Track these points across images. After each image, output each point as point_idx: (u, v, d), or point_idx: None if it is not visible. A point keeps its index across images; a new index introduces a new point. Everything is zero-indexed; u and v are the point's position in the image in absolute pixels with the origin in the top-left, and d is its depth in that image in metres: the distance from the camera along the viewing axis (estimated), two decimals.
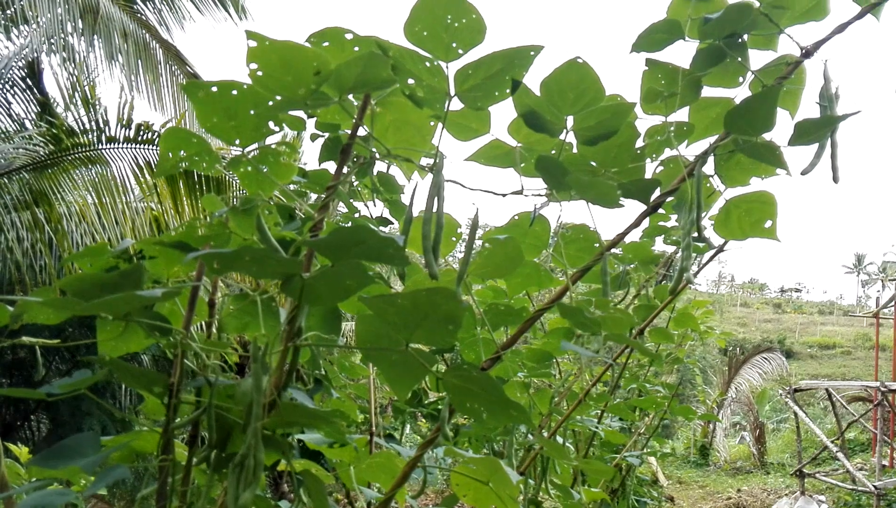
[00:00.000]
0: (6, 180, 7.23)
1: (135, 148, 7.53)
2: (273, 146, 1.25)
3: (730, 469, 17.01)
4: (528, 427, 2.00)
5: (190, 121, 7.66)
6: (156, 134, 7.62)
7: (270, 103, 1.12)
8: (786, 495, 13.20)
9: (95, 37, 6.63)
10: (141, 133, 7.54)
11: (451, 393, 1.12)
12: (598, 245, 1.45)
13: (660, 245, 2.23)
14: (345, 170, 1.25)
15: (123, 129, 7.39)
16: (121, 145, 7.48)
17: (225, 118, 1.14)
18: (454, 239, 1.36)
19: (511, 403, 1.08)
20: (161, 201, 7.98)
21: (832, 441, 12.16)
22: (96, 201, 7.54)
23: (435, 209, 1.11)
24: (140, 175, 7.64)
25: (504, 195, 1.21)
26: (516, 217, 1.44)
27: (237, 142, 1.20)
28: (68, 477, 1.25)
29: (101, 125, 7.33)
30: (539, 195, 1.27)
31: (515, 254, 1.34)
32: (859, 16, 1.44)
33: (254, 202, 1.18)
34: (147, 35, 7.35)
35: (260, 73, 1.01)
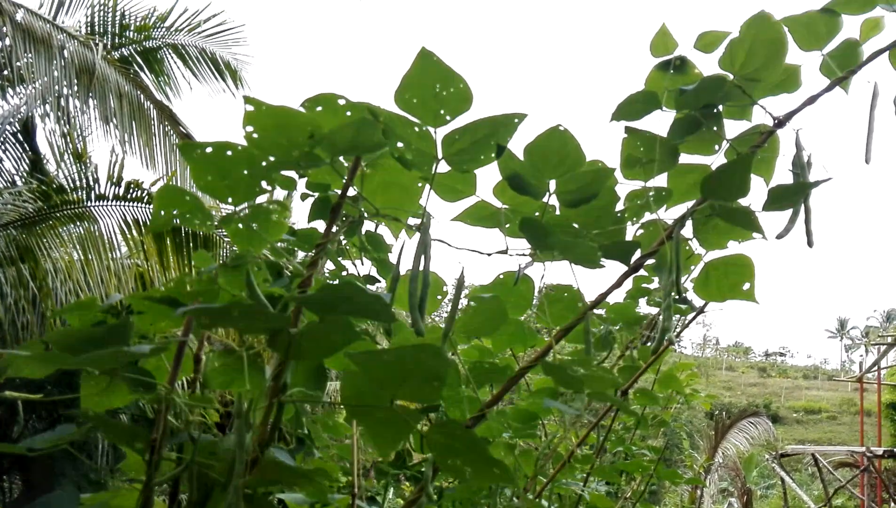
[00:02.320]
0: None
1: (124, 205, 7.56)
2: (265, 205, 1.28)
3: None
4: (513, 488, 1.98)
5: (181, 179, 7.73)
6: (145, 192, 7.67)
7: (264, 164, 1.16)
8: None
9: (90, 97, 6.75)
10: (130, 191, 7.59)
11: (435, 451, 1.13)
12: (581, 305, 1.48)
13: (645, 307, 2.26)
14: (334, 229, 1.28)
15: (113, 186, 7.45)
16: (110, 203, 7.51)
17: (219, 177, 1.18)
18: (440, 297, 1.38)
19: (494, 461, 1.08)
20: (147, 257, 7.98)
21: None
22: (82, 257, 7.52)
23: (421, 267, 1.14)
24: (128, 232, 7.66)
25: (489, 255, 1.24)
26: (501, 276, 1.46)
27: (230, 200, 1.23)
28: None
29: (91, 183, 7.39)
30: (523, 255, 1.30)
31: (500, 312, 1.36)
32: (829, 88, 1.52)
33: (244, 259, 1.20)
34: (141, 96, 7.49)
35: (256, 135, 1.05)
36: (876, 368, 14.26)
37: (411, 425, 1.10)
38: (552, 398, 1.50)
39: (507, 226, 1.34)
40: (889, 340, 13.79)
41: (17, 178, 7.79)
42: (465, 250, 1.23)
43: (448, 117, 1.12)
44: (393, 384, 1.05)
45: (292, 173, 1.29)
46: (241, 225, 1.29)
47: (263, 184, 1.20)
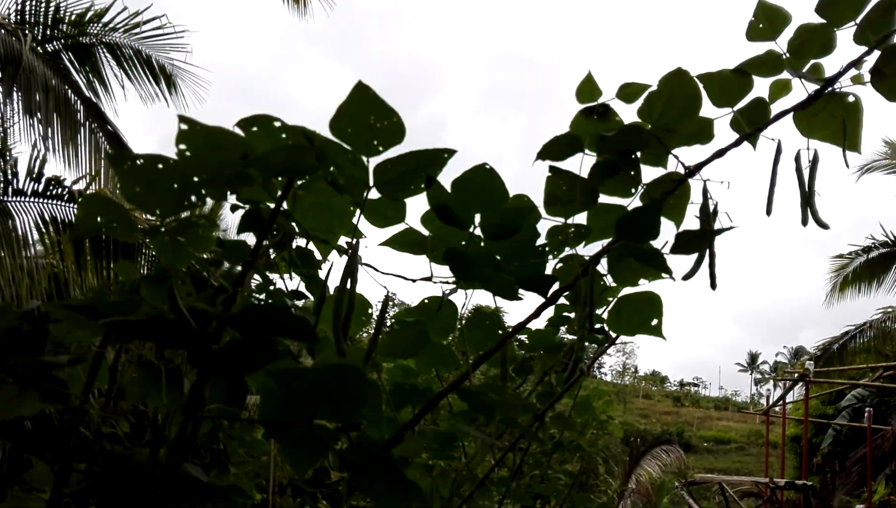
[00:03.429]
0: None
1: (42, 202, 7.25)
2: (193, 218, 1.28)
3: None
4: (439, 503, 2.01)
5: (105, 179, 7.47)
6: (66, 190, 7.37)
7: (195, 179, 1.17)
8: None
9: (14, 88, 6.47)
10: (50, 188, 7.28)
11: (351, 472, 1.15)
12: (501, 332, 1.54)
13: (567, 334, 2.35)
14: (264, 242, 1.30)
15: (32, 182, 7.13)
16: (28, 199, 7.18)
17: (148, 189, 1.18)
18: (364, 318, 1.41)
19: (408, 483, 1.11)
20: (64, 258, 7.65)
21: None
22: None
23: (347, 289, 1.17)
24: (45, 231, 7.33)
25: (414, 281, 1.28)
26: (426, 301, 1.51)
27: (158, 212, 1.23)
28: None
29: (10, 176, 7.05)
30: (447, 282, 1.35)
31: (422, 336, 1.40)
32: (737, 143, 1.64)
33: (168, 273, 1.20)
34: (69, 91, 7.22)
35: (188, 153, 1.06)
36: (782, 402, 14.98)
37: (328, 444, 1.12)
38: (468, 423, 1.55)
39: (434, 253, 1.38)
40: (795, 376, 14.52)
41: None
42: (391, 276, 1.27)
43: (381, 148, 1.16)
44: (312, 403, 1.07)
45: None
46: (167, 238, 1.29)
47: (193, 198, 1.21)
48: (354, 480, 1.16)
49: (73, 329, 1.27)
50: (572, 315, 2.27)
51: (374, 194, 1.27)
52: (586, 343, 1.76)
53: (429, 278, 1.31)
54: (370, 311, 1.45)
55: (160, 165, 1.15)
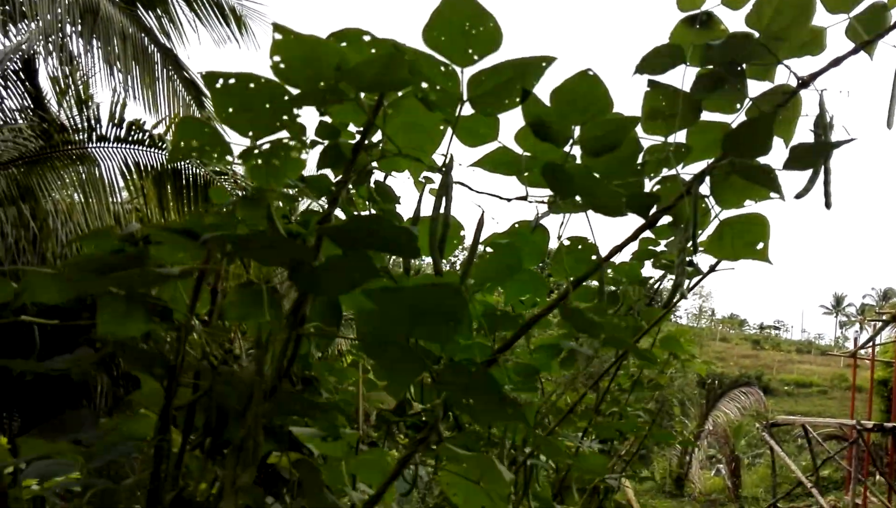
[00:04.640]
0: None
1: (124, 148, 7.51)
2: (285, 141, 1.27)
3: (704, 501, 17.03)
4: (524, 433, 2.01)
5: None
6: (147, 134, 7.61)
7: (286, 98, 1.15)
8: None
9: (94, 37, 6.64)
10: (132, 133, 7.52)
11: (449, 390, 1.14)
12: (595, 257, 1.49)
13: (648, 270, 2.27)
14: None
15: (114, 128, 7.38)
16: (111, 145, 7.46)
17: (240, 110, 1.17)
18: (456, 242, 1.39)
19: (508, 400, 1.10)
20: (147, 202, 7.97)
21: (807, 478, 12.23)
22: (82, 200, 7.49)
23: (443, 209, 1.14)
24: (129, 176, 7.62)
25: (509, 200, 1.24)
26: (517, 225, 1.47)
27: (250, 134, 1.23)
28: (60, 456, 1.25)
29: (93, 123, 7.32)
30: (542, 203, 1.30)
31: (515, 260, 1.37)
32: (853, 52, 1.50)
33: (264, 193, 1.20)
34: (146, 38, 7.37)
35: (283, 65, 1.04)
36: (870, 344, 14.40)
37: (426, 363, 1.11)
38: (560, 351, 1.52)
39: (527, 174, 1.33)
40: (884, 317, 13.89)
41: (18, 116, 7.71)
42: (484, 195, 1.23)
43: (476, 57, 1.10)
44: (409, 322, 1.06)
45: (303, 121, 1.28)
46: (260, 160, 1.28)
47: (285, 118, 1.20)
48: (453, 399, 1.15)
49: (173, 252, 1.30)
50: (658, 249, 2.19)
51: (465, 111, 1.22)
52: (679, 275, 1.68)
53: (524, 198, 1.26)
54: (461, 234, 1.42)
55: (252, 84, 1.13)
